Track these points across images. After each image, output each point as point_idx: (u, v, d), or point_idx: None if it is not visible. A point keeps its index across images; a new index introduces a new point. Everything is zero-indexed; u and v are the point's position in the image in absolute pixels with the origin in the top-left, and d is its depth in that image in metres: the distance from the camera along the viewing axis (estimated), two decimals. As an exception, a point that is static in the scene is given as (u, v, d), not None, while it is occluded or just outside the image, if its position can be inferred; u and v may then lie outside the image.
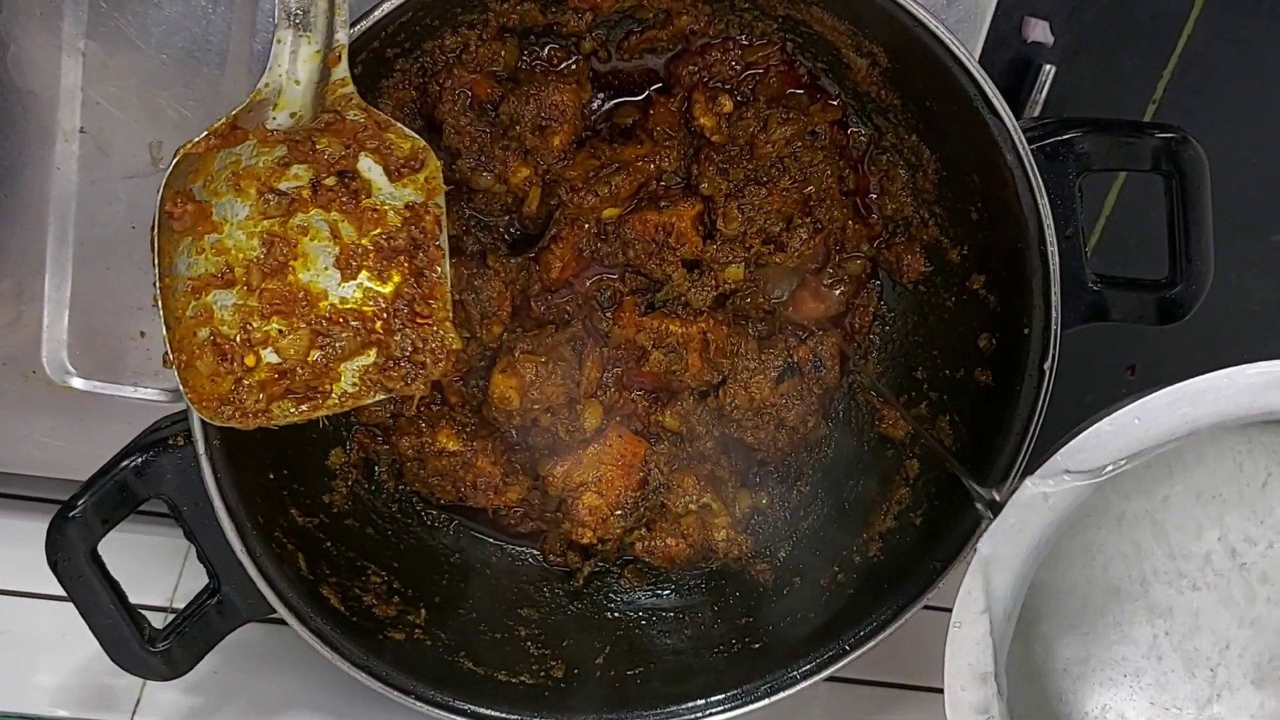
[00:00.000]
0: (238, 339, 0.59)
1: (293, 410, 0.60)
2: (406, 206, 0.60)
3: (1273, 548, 0.64)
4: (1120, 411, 0.57)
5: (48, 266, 0.70)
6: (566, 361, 0.71)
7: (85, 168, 0.68)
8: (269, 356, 0.60)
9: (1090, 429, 0.57)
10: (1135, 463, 0.57)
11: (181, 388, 0.58)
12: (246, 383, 0.59)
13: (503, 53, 0.68)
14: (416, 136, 0.60)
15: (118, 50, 0.66)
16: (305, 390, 0.60)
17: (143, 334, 0.73)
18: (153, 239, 0.56)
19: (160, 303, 0.57)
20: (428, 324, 0.61)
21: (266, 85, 0.56)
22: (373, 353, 0.61)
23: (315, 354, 0.60)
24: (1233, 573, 0.65)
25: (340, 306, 0.61)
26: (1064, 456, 0.57)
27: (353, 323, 0.61)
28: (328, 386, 0.61)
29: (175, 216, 0.56)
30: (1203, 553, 0.65)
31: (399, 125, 0.59)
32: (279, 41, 0.55)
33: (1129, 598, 0.66)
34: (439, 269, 0.61)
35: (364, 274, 0.61)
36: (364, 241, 0.60)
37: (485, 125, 0.68)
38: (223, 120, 0.56)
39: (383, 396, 0.62)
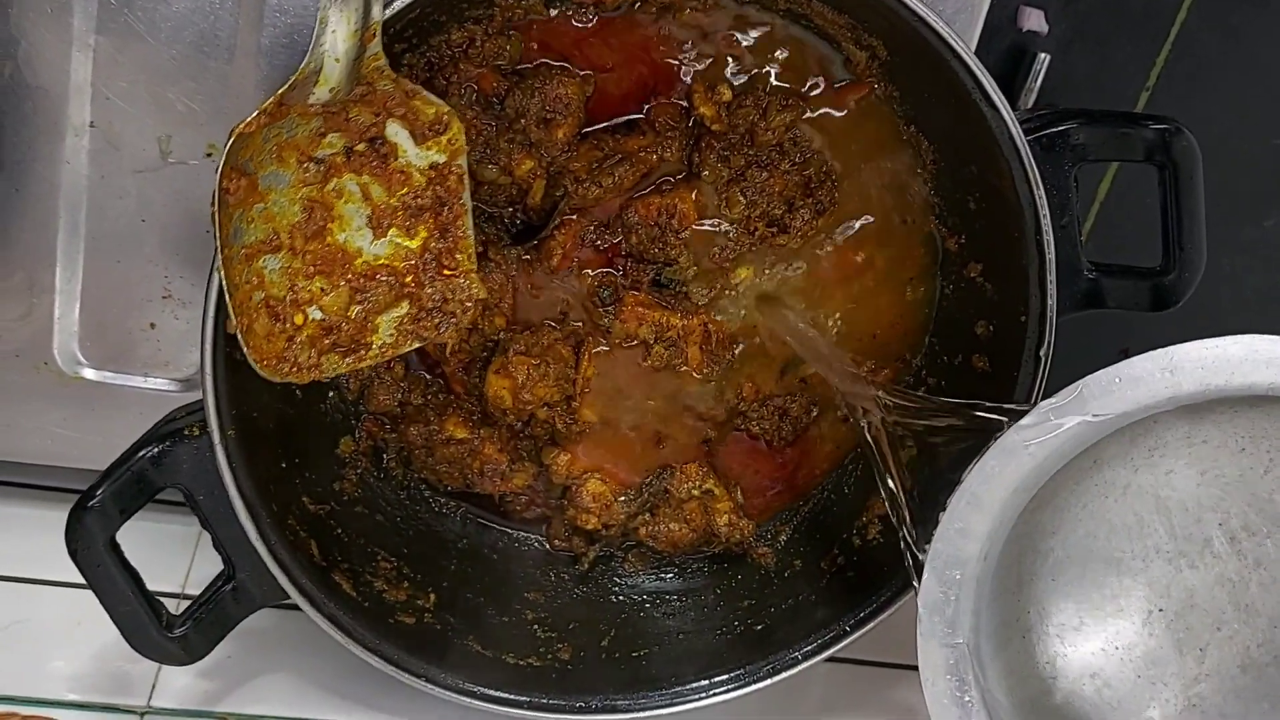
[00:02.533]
0: (287, 299, 0.62)
1: (340, 363, 0.64)
2: (431, 167, 0.64)
3: (1270, 538, 0.65)
4: (1102, 371, 0.58)
5: (58, 260, 0.71)
6: (563, 361, 0.72)
7: (95, 162, 0.69)
8: (314, 314, 0.63)
9: (1074, 385, 0.58)
10: (1115, 425, 0.58)
11: (245, 349, 0.61)
12: (298, 340, 0.62)
13: (508, 47, 0.68)
14: (441, 102, 0.63)
15: (127, 45, 0.66)
16: (350, 344, 0.64)
17: (153, 325, 0.74)
18: (213, 214, 0.59)
19: (222, 272, 0.60)
20: (454, 276, 0.65)
21: (309, 65, 0.59)
22: (405, 304, 0.65)
23: (355, 309, 0.64)
24: (1230, 556, 0.66)
25: (374, 263, 0.64)
26: (1046, 408, 0.58)
27: (386, 278, 0.64)
28: (369, 339, 0.64)
29: (231, 192, 0.59)
30: (1203, 535, 0.66)
31: (425, 93, 0.62)
32: (322, 22, 0.58)
33: (1128, 572, 0.67)
34: (462, 224, 0.64)
35: (393, 231, 0.64)
36: (393, 201, 0.63)
37: (491, 119, 0.69)
38: (271, 100, 0.59)
39: (418, 344, 0.66)
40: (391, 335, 0.65)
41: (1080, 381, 0.58)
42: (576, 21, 0.69)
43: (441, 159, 0.63)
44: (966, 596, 0.60)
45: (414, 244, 0.64)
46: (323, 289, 0.63)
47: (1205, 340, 0.56)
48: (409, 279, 0.64)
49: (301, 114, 0.60)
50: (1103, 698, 0.68)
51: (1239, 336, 0.56)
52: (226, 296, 0.60)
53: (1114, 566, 0.67)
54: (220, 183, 0.59)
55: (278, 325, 0.62)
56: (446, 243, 0.64)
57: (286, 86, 0.59)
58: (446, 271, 0.65)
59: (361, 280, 0.64)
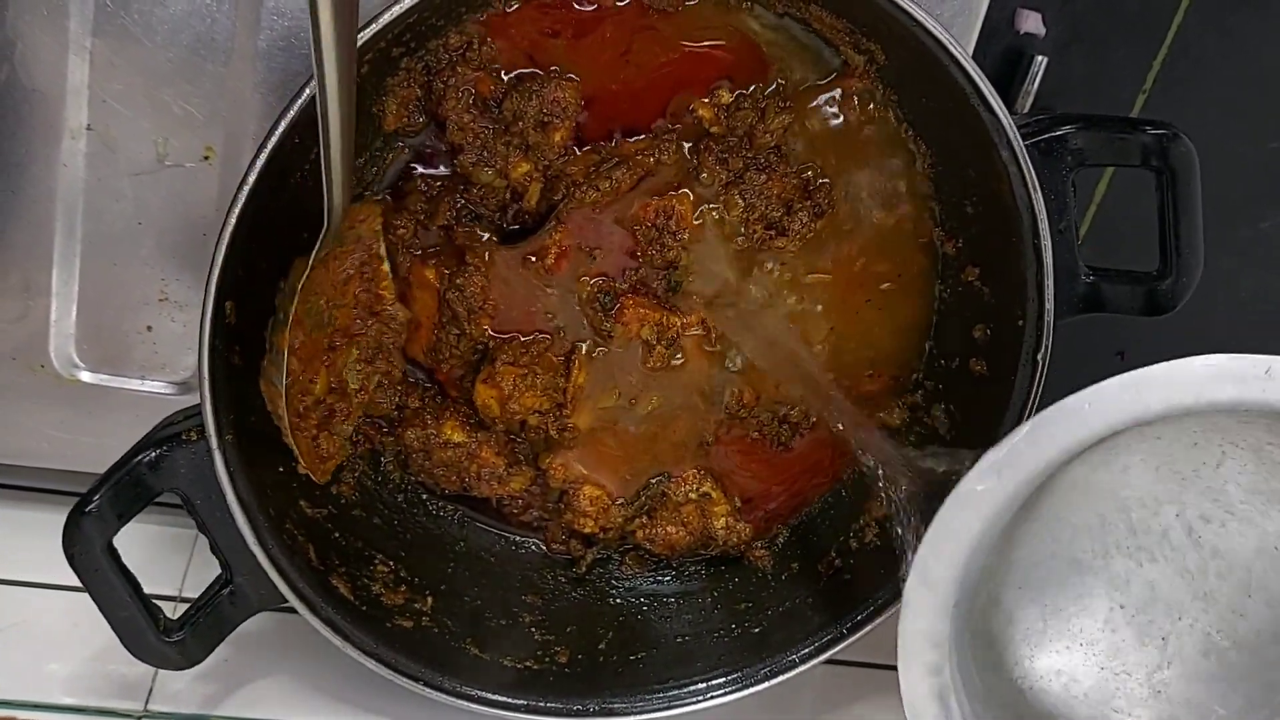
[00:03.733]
0: (300, 408, 0.66)
1: (345, 430, 0.70)
2: (355, 239, 0.67)
3: (1225, 526, 0.66)
4: (1072, 398, 0.57)
5: (55, 262, 0.71)
6: (552, 369, 0.72)
7: (92, 164, 0.69)
8: (311, 403, 0.67)
9: (1042, 415, 0.57)
10: (1074, 453, 0.57)
11: (310, 475, 0.68)
12: (319, 436, 0.68)
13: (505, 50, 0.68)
14: (370, 197, 0.68)
15: (124, 48, 0.66)
16: (344, 411, 0.69)
17: (149, 328, 0.74)
18: (279, 386, 0.63)
19: (289, 435, 0.66)
20: (384, 311, 0.70)
21: (329, 232, 0.63)
22: (354, 349, 0.69)
23: (330, 379, 0.68)
24: (1188, 547, 0.67)
25: (329, 333, 0.67)
26: (997, 458, 0.57)
27: (341, 341, 0.68)
28: (350, 399, 0.69)
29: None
30: (1161, 528, 0.67)
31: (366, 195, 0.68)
32: (349, 211, 0.63)
33: (1090, 570, 0.68)
34: (382, 270, 0.69)
35: (335, 300, 0.68)
36: (333, 278, 0.67)
37: (488, 121, 0.69)
38: (306, 275, 0.62)
39: (378, 379, 0.70)
40: (357, 380, 0.69)
41: (1029, 421, 0.56)
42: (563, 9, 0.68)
43: (363, 232, 0.67)
44: (944, 639, 0.61)
45: (349, 300, 0.68)
46: (311, 380, 0.66)
47: (1171, 363, 0.56)
48: (353, 328, 0.68)
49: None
50: (1070, 693, 0.69)
51: (1207, 357, 0.56)
52: (291, 442, 0.66)
53: (1075, 566, 0.68)
54: (288, 364, 0.63)
55: (301, 433, 0.66)
56: (372, 290, 0.68)
57: (315, 257, 0.63)
58: (375, 311, 0.69)
59: (328, 355, 0.67)
